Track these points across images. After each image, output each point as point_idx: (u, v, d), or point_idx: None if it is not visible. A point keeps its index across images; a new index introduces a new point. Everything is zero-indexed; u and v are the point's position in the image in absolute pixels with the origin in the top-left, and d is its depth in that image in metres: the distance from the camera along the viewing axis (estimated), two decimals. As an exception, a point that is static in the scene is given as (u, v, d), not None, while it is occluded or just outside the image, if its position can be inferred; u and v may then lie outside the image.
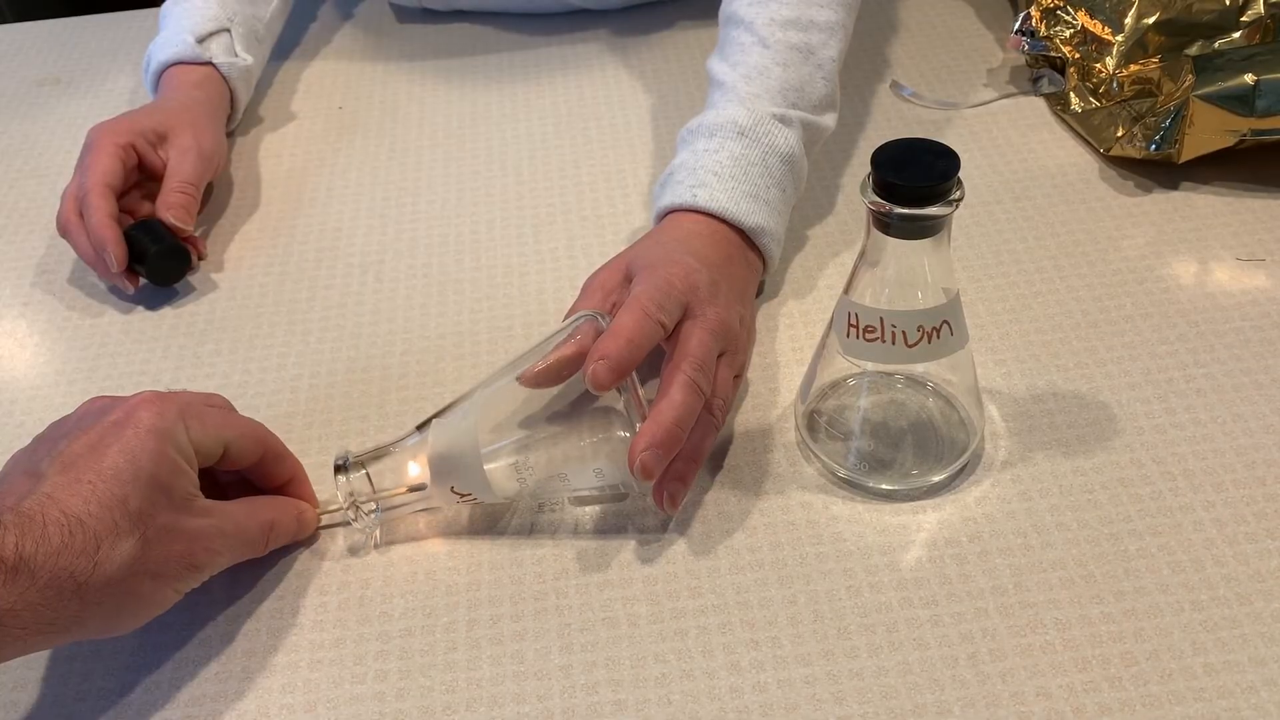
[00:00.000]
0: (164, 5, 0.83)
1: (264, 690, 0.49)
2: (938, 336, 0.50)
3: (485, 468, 0.51)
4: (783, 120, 0.63)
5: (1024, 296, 0.64)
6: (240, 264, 0.72)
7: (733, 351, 0.56)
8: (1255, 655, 0.47)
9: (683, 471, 0.53)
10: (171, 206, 0.69)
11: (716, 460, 0.56)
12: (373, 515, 0.53)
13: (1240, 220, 0.68)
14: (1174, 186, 0.71)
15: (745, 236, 0.61)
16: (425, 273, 0.70)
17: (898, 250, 0.48)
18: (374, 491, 0.52)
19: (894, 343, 0.50)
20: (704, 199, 0.60)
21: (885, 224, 0.47)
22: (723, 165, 0.61)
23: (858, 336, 0.50)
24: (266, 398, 0.62)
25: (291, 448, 0.59)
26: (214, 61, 0.78)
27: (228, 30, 0.80)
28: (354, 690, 0.48)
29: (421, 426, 0.53)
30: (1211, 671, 0.46)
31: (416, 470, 0.52)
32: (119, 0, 1.02)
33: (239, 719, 0.48)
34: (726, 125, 0.63)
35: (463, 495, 0.52)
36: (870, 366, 0.56)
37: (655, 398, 0.51)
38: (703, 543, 0.53)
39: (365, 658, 0.50)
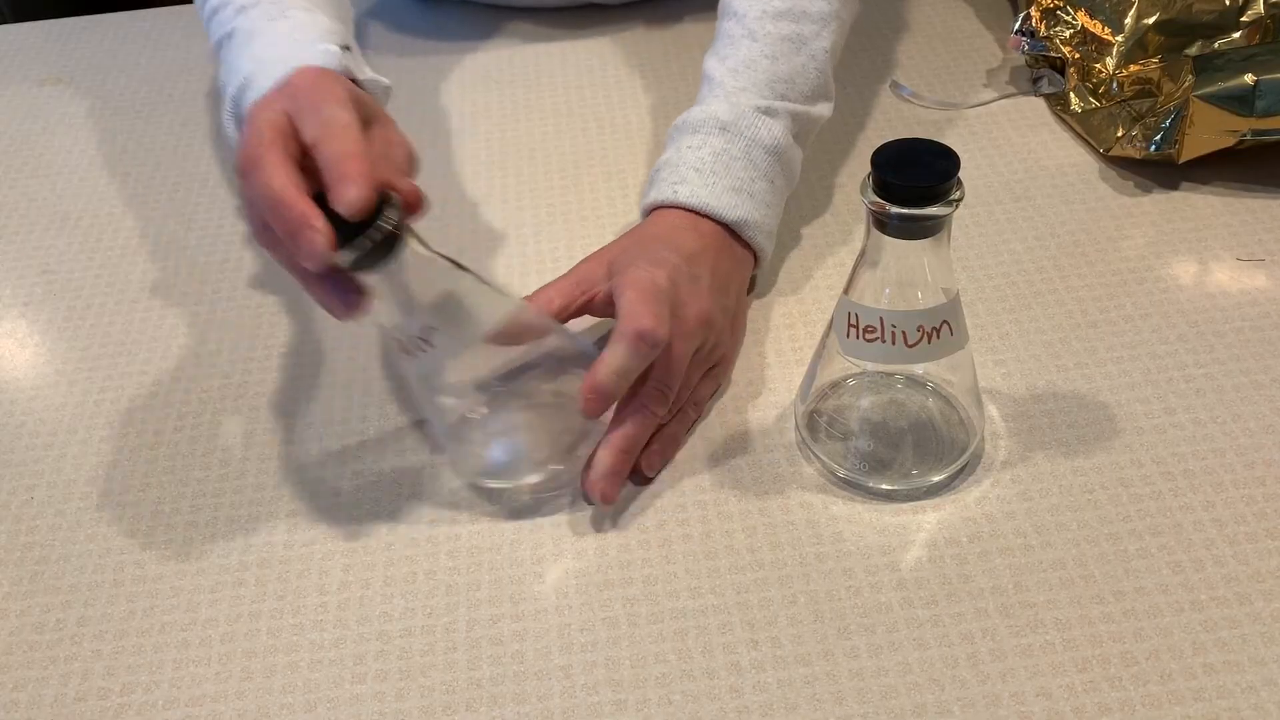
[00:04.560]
0: (234, 40, 0.63)
1: (264, 690, 0.49)
2: (938, 336, 0.50)
3: (462, 365, 0.51)
4: (767, 112, 0.63)
5: (1024, 296, 0.64)
6: (240, 263, 0.72)
7: (713, 344, 0.57)
8: (1255, 655, 0.47)
9: (653, 456, 0.56)
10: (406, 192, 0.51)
11: (716, 460, 0.57)
12: (360, 250, 0.46)
13: (1240, 220, 0.68)
14: (1174, 186, 0.71)
15: (731, 231, 0.61)
16: (425, 273, 0.70)
17: (897, 250, 0.48)
18: (382, 251, 0.47)
19: (894, 343, 0.50)
20: (684, 195, 0.60)
21: (885, 224, 0.47)
22: (704, 161, 0.61)
23: (858, 336, 0.50)
24: (267, 398, 0.62)
25: (292, 448, 0.59)
26: (359, 78, 0.60)
27: (350, 49, 0.62)
28: (354, 690, 0.48)
29: (460, 266, 0.51)
30: (1211, 671, 0.46)
31: (419, 285, 0.49)
32: (119, 0, 1.02)
33: (239, 719, 0.48)
34: (708, 121, 0.63)
35: (423, 343, 0.49)
36: (870, 366, 0.56)
37: (615, 412, 0.54)
38: (703, 543, 0.53)
39: (365, 658, 0.50)
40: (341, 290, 0.49)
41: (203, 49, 0.93)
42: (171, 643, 0.51)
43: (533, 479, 0.56)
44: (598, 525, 0.54)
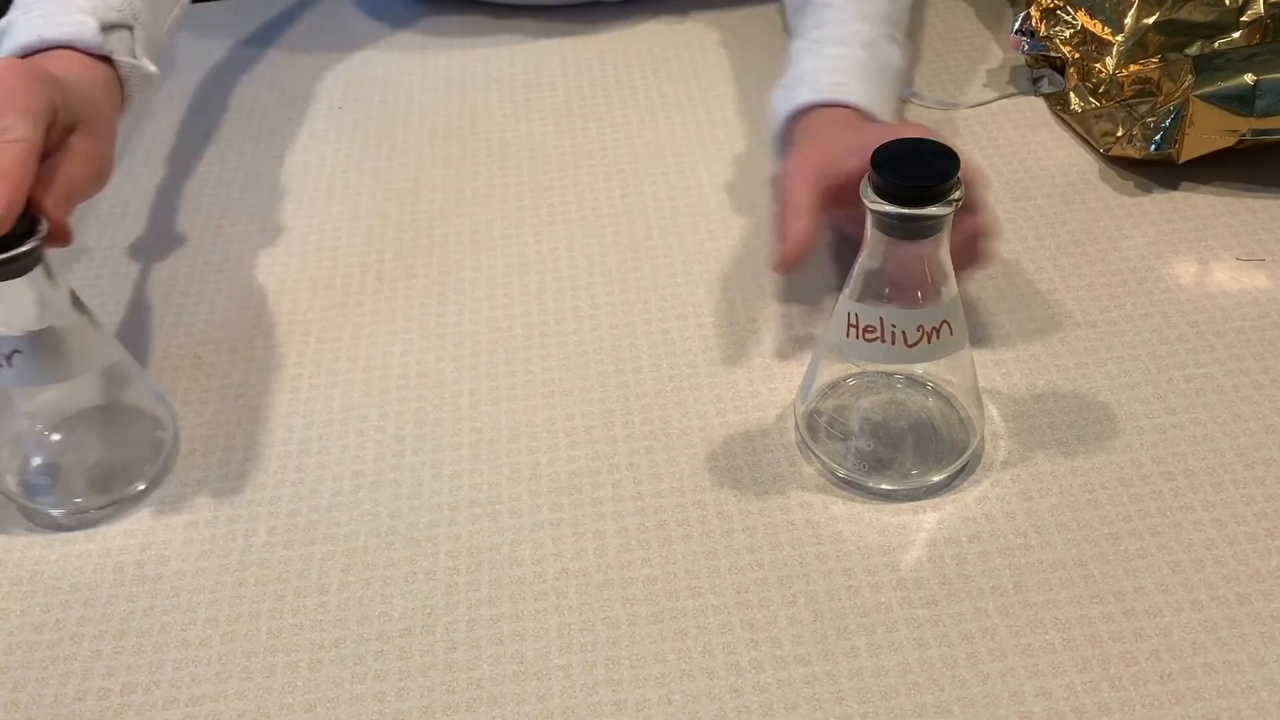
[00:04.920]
0: None
1: (264, 690, 0.49)
2: (937, 336, 0.50)
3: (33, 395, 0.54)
4: (891, 40, 0.67)
5: (1024, 296, 0.64)
6: (240, 264, 0.72)
7: None
8: (1255, 655, 0.47)
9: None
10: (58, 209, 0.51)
11: (716, 460, 0.57)
12: None
13: (1240, 220, 0.68)
14: (1174, 186, 0.71)
15: None
16: (425, 273, 0.70)
17: (898, 250, 0.48)
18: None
19: (894, 343, 0.50)
20: (849, 95, 0.62)
21: (885, 224, 0.47)
22: (854, 70, 0.64)
23: (858, 337, 0.50)
24: (266, 398, 0.62)
25: (291, 448, 0.59)
26: (116, 59, 0.59)
27: (130, 28, 0.62)
28: (354, 690, 0.48)
29: (80, 308, 0.53)
30: (1211, 671, 0.46)
31: (28, 310, 0.51)
32: (119, 0, 1.02)
33: (239, 719, 0.48)
34: (852, 36, 0.66)
35: (5, 361, 0.51)
36: (870, 366, 0.56)
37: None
38: (703, 543, 0.53)
39: (365, 658, 0.50)
40: None
41: (201, 49, 0.93)
42: (171, 643, 0.51)
43: (81, 504, 0.56)
44: (597, 526, 0.54)
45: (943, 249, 0.49)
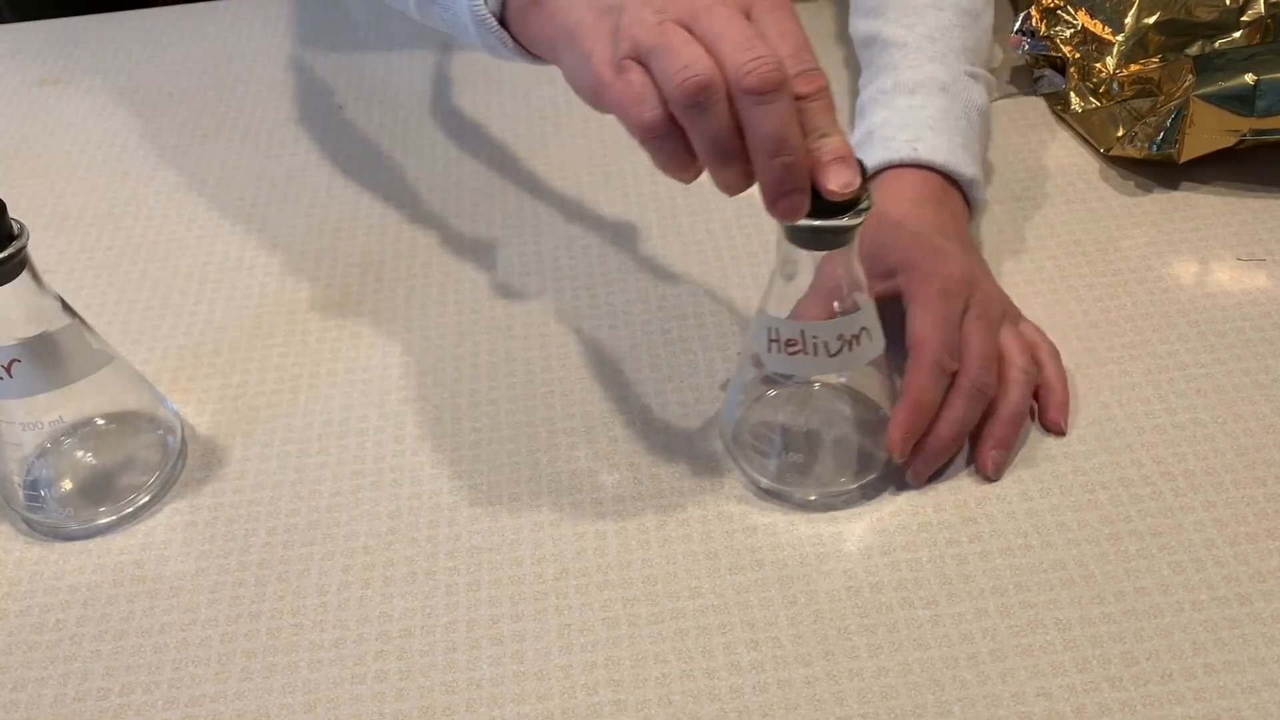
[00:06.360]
0: None
1: (264, 690, 0.49)
2: (858, 344, 0.49)
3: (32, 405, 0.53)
4: (972, 76, 0.65)
5: (1024, 296, 0.64)
6: (240, 264, 0.72)
7: (983, 300, 0.56)
8: (1255, 655, 0.47)
9: (1002, 437, 0.54)
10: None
11: (717, 460, 0.57)
12: None
13: (1240, 220, 0.68)
14: (1174, 186, 0.71)
15: (957, 187, 0.62)
16: (425, 273, 0.70)
17: (811, 262, 0.48)
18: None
19: (816, 354, 0.49)
20: (926, 152, 0.60)
21: (796, 236, 0.47)
22: (934, 119, 0.62)
23: (780, 350, 0.50)
24: (266, 398, 0.62)
25: (290, 448, 0.59)
26: None
27: None
28: (354, 690, 0.48)
29: (69, 311, 0.53)
30: (1212, 671, 0.46)
31: (19, 316, 0.51)
32: (119, 0, 1.02)
33: (239, 719, 0.48)
34: (928, 82, 0.63)
35: (4, 371, 0.51)
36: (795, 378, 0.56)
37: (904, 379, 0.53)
38: (703, 543, 0.53)
39: (365, 658, 0.50)
40: None
41: (201, 48, 0.93)
42: (171, 643, 0.51)
43: (88, 517, 0.56)
44: (598, 525, 0.54)
45: (854, 256, 0.48)
